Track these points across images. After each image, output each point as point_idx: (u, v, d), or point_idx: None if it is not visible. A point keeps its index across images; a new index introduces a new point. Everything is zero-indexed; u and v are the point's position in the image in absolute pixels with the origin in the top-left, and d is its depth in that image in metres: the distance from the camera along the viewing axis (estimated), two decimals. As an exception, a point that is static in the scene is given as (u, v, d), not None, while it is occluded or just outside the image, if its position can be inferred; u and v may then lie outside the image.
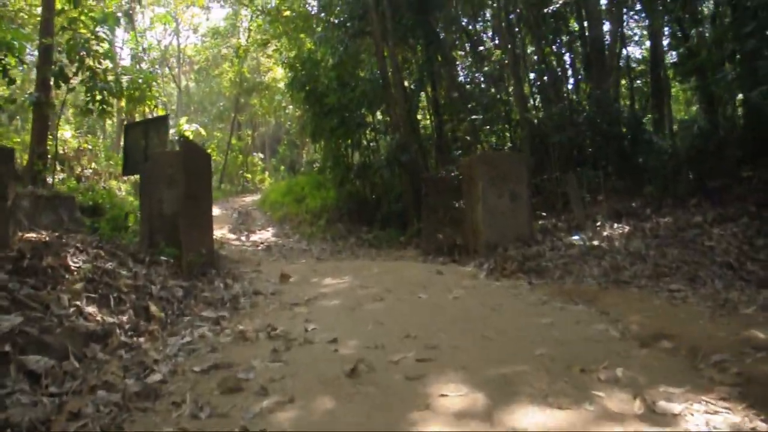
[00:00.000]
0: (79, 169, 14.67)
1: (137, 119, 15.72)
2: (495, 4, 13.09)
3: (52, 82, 9.56)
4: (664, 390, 2.57)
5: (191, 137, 17.41)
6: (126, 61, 23.37)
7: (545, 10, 11.26)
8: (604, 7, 12.42)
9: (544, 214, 9.38)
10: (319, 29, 15.45)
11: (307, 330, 3.91)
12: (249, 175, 28.73)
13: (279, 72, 24.42)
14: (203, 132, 24.39)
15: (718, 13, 8.84)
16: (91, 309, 3.60)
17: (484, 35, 15.53)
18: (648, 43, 14.16)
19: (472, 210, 7.96)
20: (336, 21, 14.36)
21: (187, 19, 30.39)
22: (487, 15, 14.87)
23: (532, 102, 12.93)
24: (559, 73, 12.35)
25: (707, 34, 8.94)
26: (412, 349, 3.33)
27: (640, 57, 15.68)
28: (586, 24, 11.86)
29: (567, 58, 12.88)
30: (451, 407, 2.46)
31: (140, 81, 10.96)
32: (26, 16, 15.21)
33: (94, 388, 2.64)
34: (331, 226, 12.71)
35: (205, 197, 7.07)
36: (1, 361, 2.63)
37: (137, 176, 10.12)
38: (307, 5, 17.87)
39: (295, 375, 2.93)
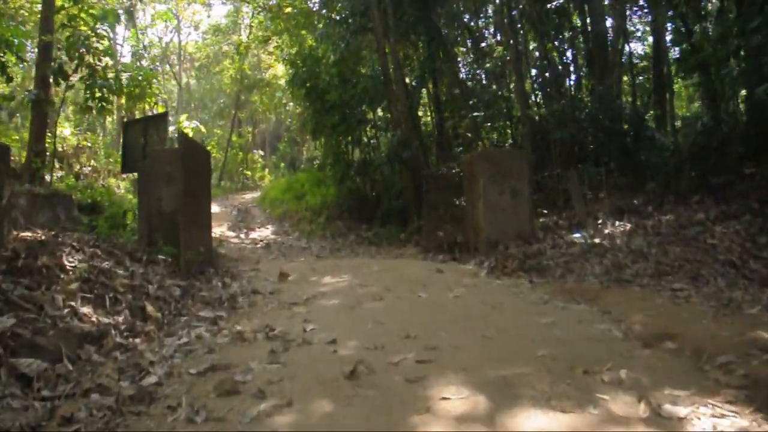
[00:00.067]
0: (78, 167, 14.65)
1: (137, 116, 15.67)
2: (497, 0, 13.01)
3: (51, 80, 9.55)
4: (670, 392, 2.51)
5: (191, 134, 17.38)
6: (127, 58, 23.38)
7: (548, 6, 11.20)
8: (607, 3, 12.34)
9: (545, 211, 9.32)
10: (321, 26, 15.44)
11: (306, 330, 3.85)
12: (249, 173, 28.72)
13: (280, 69, 24.40)
14: (203, 129, 24.38)
15: (722, 9, 8.76)
16: (86, 309, 3.54)
17: (486, 31, 15.49)
18: (651, 39, 14.12)
19: (473, 207, 7.91)
20: (337, 17, 14.31)
21: (188, 16, 30.34)
22: (489, 11, 14.81)
23: (533, 98, 12.86)
24: (561, 70, 12.26)
25: (710, 30, 8.86)
26: (412, 349, 3.28)
27: (642, 53, 15.65)
28: (588, 20, 11.77)
29: (569, 54, 12.80)
30: (452, 410, 2.41)
31: (140, 78, 10.90)
32: (26, 14, 15.19)
33: (88, 392, 2.59)
34: (331, 224, 12.66)
35: (205, 195, 7.03)
36: (-8, 364, 2.58)
37: (136, 174, 10.07)
38: (308, 2, 17.81)
39: (294, 377, 2.88)
